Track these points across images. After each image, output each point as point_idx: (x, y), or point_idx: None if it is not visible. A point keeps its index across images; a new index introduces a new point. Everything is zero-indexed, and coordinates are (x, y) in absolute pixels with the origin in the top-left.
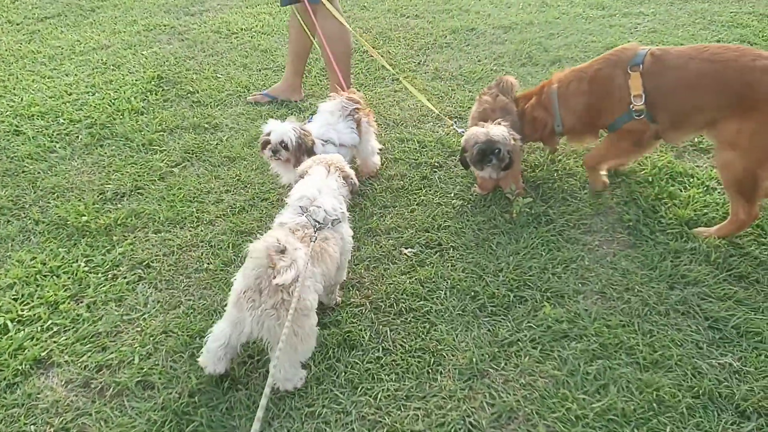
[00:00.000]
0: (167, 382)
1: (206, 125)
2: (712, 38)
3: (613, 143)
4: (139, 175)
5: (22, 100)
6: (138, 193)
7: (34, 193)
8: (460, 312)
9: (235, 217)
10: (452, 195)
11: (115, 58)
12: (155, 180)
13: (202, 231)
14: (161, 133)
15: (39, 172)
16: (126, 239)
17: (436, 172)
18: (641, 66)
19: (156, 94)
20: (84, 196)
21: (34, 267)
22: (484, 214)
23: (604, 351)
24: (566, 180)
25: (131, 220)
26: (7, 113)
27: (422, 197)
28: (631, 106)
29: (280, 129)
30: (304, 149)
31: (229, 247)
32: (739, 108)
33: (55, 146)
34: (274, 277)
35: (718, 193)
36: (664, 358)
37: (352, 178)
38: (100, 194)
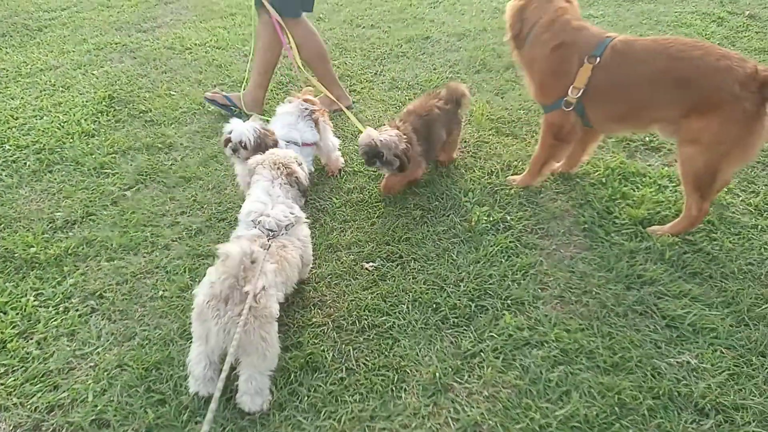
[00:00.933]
0: (123, 419)
1: (160, 145)
2: None
3: (541, 144)
4: (90, 201)
5: None
6: (89, 219)
7: None
8: (423, 325)
9: (192, 240)
10: (412, 206)
11: (64, 79)
12: (107, 205)
13: (157, 256)
14: (113, 155)
15: None
16: (77, 269)
17: None
18: (598, 59)
19: (107, 115)
20: (33, 226)
21: None
22: (443, 223)
23: (565, 356)
24: None
25: (83, 249)
26: None
27: (382, 209)
28: (566, 96)
29: (240, 128)
30: (264, 148)
31: (185, 271)
32: (701, 106)
33: (1, 174)
34: (243, 286)
35: (670, 191)
36: (624, 360)
37: (297, 177)
38: (50, 223)
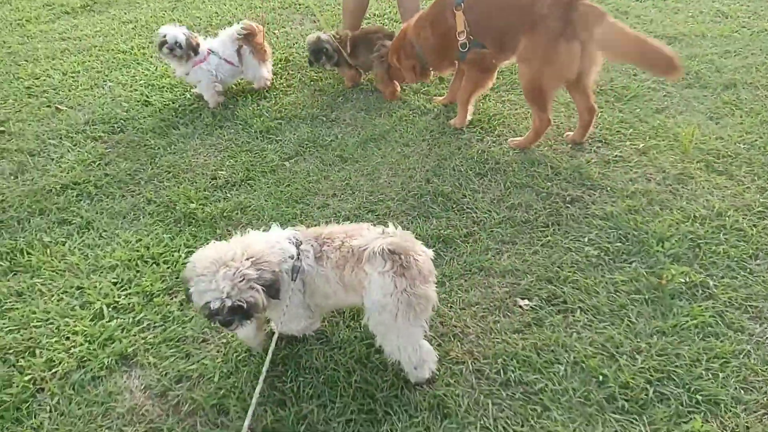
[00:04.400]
0: (242, 412)
1: (324, 118)
2: None
3: (468, 77)
4: (251, 164)
5: (156, 69)
6: (248, 183)
7: (151, 169)
8: (582, 399)
9: None
10: (586, 240)
11: None
12: (266, 172)
13: None
14: (279, 121)
15: (159, 148)
16: (228, 234)
17: (568, 207)
18: (462, 5)
19: (281, 78)
20: (197, 180)
21: (138, 251)
22: (624, 271)
23: None
24: (735, 242)
25: (236, 214)
26: (141, 81)
27: (548, 237)
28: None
29: (173, 32)
30: (190, 48)
31: None
32: (527, 26)
33: (179, 122)
34: None
35: None
36: None
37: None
38: (212, 180)
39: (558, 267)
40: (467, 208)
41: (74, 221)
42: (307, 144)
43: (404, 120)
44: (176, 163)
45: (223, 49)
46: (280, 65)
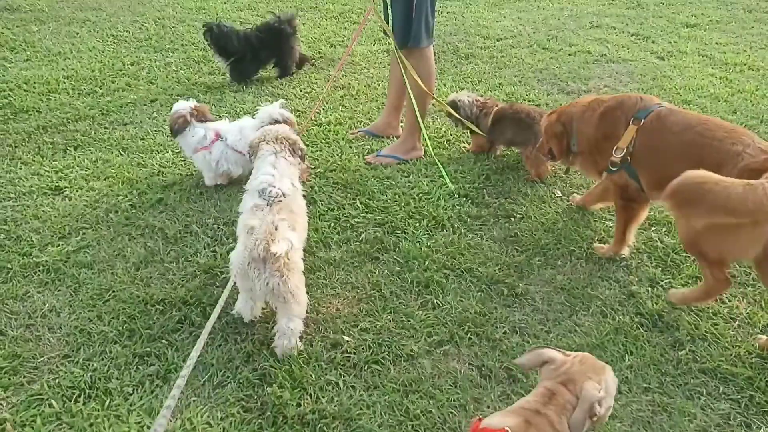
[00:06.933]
0: None
1: (505, 287)
2: None
3: (605, 188)
4: (388, 338)
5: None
6: (369, 370)
7: None
8: None
9: None
10: None
11: None
12: (400, 359)
13: None
14: (447, 272)
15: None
16: None
17: None
18: (642, 121)
19: (472, 203)
20: (315, 341)
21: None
22: None
23: None
24: None
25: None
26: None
27: None
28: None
29: (180, 105)
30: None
31: None
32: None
33: (337, 239)
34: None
35: None
36: None
37: (298, 144)
38: (333, 346)
39: None
40: None
41: None
42: (469, 328)
43: (624, 332)
44: (310, 301)
45: (237, 136)
46: (477, 182)
